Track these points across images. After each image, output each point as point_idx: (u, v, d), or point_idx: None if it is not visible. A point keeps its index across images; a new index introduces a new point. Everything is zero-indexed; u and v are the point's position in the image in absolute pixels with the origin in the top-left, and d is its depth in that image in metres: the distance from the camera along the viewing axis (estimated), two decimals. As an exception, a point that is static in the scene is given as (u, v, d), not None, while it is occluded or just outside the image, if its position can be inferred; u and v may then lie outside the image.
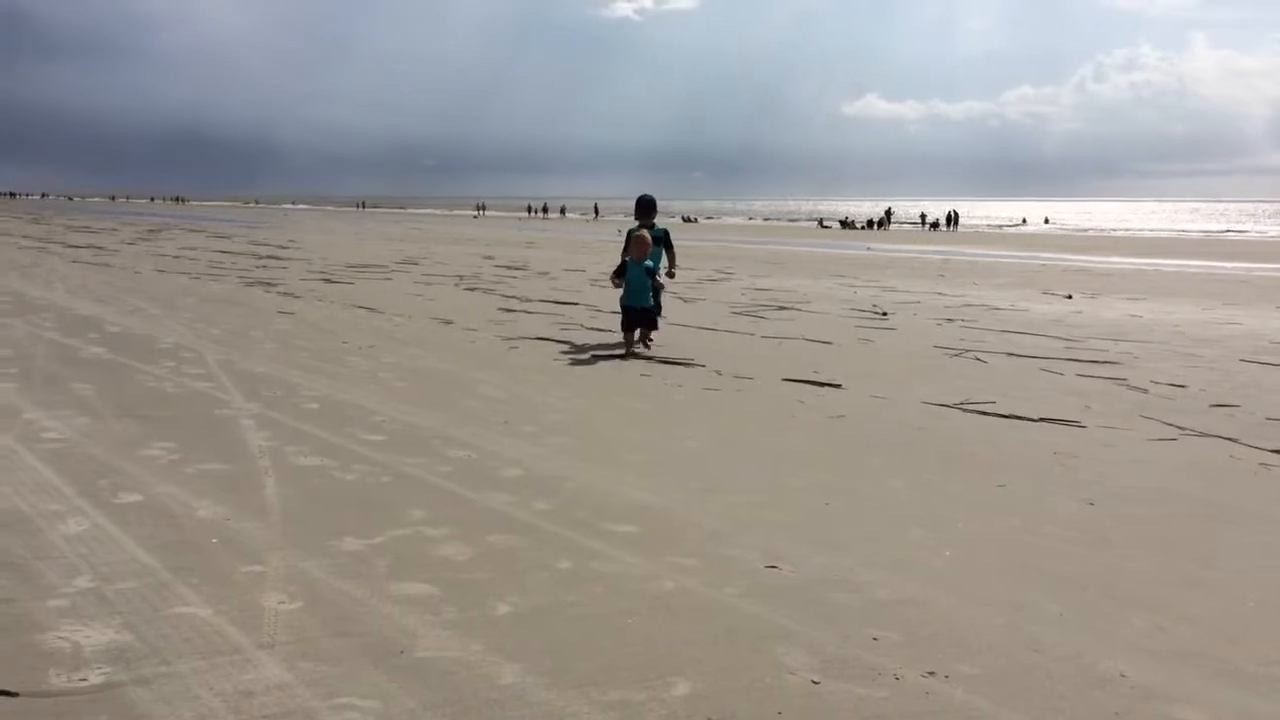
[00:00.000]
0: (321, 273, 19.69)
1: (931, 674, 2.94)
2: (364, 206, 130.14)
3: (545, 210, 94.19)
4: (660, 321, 10.35)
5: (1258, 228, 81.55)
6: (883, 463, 5.65)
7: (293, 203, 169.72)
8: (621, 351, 9.70)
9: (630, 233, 10.08)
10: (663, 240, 10.51)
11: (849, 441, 6.20)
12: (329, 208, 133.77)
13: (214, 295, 14.50)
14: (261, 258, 24.40)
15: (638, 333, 9.83)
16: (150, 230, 40.97)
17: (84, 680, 2.81)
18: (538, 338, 10.65)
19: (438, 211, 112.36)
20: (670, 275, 10.63)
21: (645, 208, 10.55)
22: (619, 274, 10.00)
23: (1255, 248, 46.18)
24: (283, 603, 3.35)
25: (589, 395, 7.47)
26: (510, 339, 10.54)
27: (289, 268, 21.02)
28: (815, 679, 2.88)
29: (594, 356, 9.48)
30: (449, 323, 11.84)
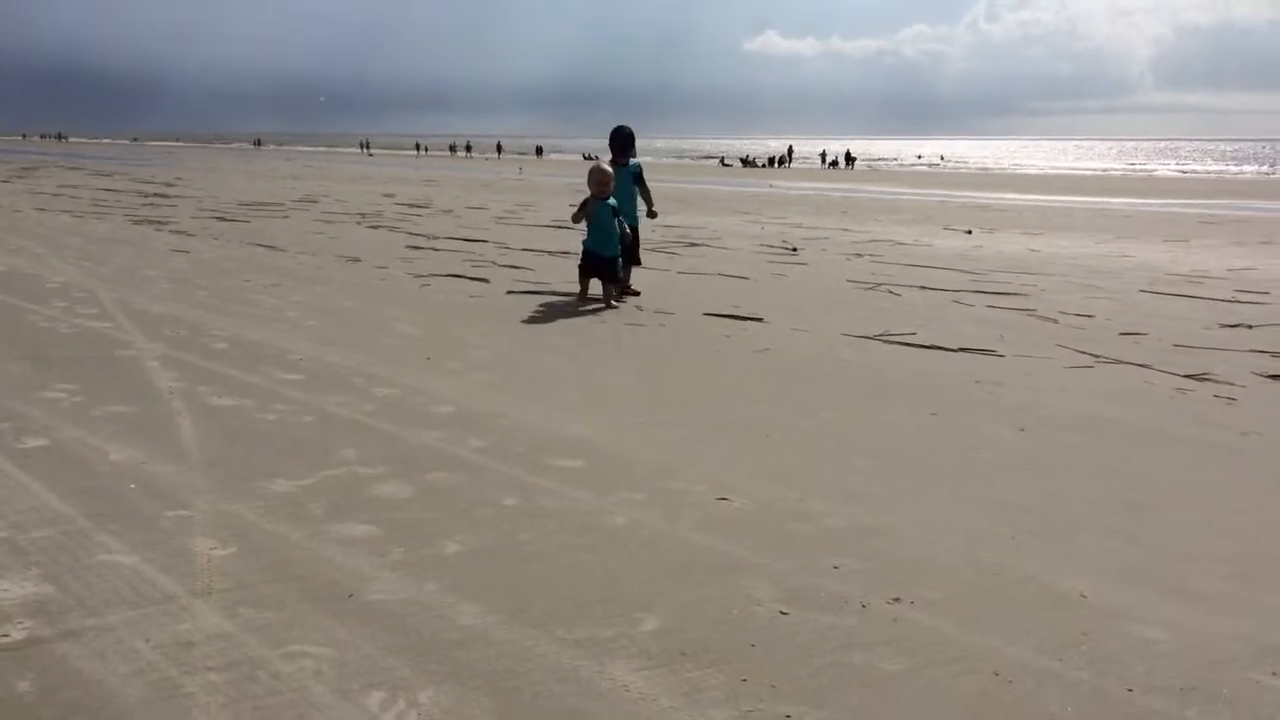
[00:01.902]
0: (214, 211, 18.92)
1: (897, 600, 2.91)
2: (259, 144, 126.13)
3: (469, 149, 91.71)
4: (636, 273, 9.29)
5: (1151, 165, 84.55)
6: (814, 394, 5.63)
7: (177, 139, 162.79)
8: (574, 296, 8.87)
9: (592, 170, 8.97)
10: (636, 178, 9.39)
11: (778, 374, 6.17)
12: (218, 145, 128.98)
13: (101, 234, 13.79)
14: (148, 195, 23.35)
15: (603, 288, 8.69)
16: (24, 168, 38.85)
17: (5, 636, 2.59)
18: (450, 275, 10.37)
19: (330, 149, 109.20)
20: (651, 215, 9.73)
21: (622, 142, 9.41)
22: (582, 208, 8.82)
23: (1140, 184, 47.73)
24: (215, 548, 3.15)
25: (510, 332, 7.29)
26: (421, 276, 10.24)
27: (179, 206, 20.15)
28: (783, 609, 2.82)
29: (510, 293, 9.27)
30: (356, 260, 11.46)
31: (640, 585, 2.96)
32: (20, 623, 2.67)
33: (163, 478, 3.81)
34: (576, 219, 8.88)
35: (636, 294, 9.04)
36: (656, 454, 4.32)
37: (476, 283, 9.95)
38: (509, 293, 9.28)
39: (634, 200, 9.31)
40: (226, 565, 3.02)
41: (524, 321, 7.71)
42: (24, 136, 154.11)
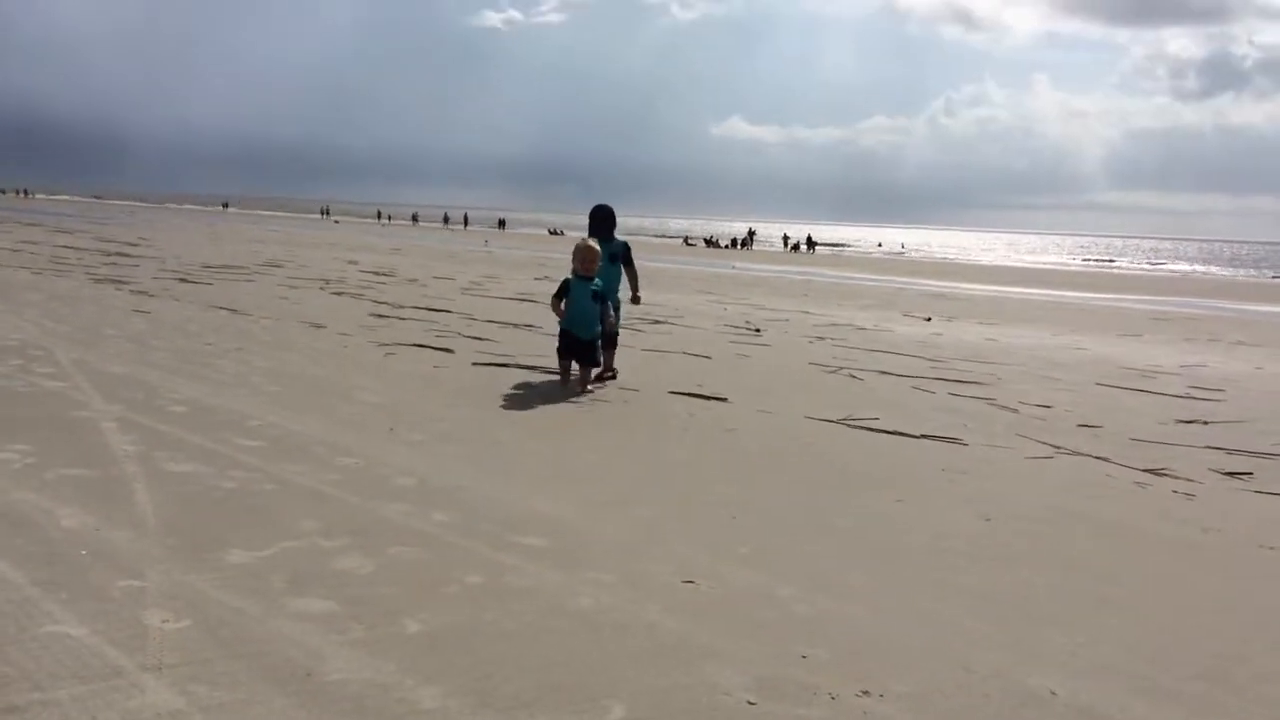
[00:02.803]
0: (176, 272, 18.75)
1: (866, 693, 2.87)
2: (227, 207, 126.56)
3: (502, 224, 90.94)
4: (614, 366, 8.70)
5: (1103, 260, 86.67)
6: (779, 477, 5.62)
7: (141, 199, 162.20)
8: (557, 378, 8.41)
9: (577, 247, 8.41)
10: (621, 256, 8.83)
11: (743, 454, 6.15)
12: (187, 206, 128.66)
13: (60, 292, 13.60)
14: (109, 254, 23.13)
15: (576, 368, 8.21)
16: (-19, 222, 38.40)
17: (-58, 710, 2.48)
18: (414, 344, 10.32)
19: (293, 215, 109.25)
20: (635, 300, 9.13)
21: (601, 221, 8.85)
22: (560, 295, 8.19)
23: (1093, 279, 48.82)
24: (167, 621, 3.04)
25: (474, 404, 7.23)
26: (385, 345, 10.17)
27: (140, 266, 19.96)
28: (751, 699, 2.77)
29: (475, 364, 9.22)
30: (320, 327, 11.38)
31: (608, 670, 2.89)
32: (-40, 696, 2.55)
33: (116, 545, 3.70)
34: (557, 305, 8.20)
35: (613, 376, 8.64)
36: (623, 533, 4.27)
37: (441, 353, 9.89)
38: (474, 364, 9.23)
39: (617, 281, 8.82)
40: (180, 639, 2.92)
41: (488, 394, 7.66)
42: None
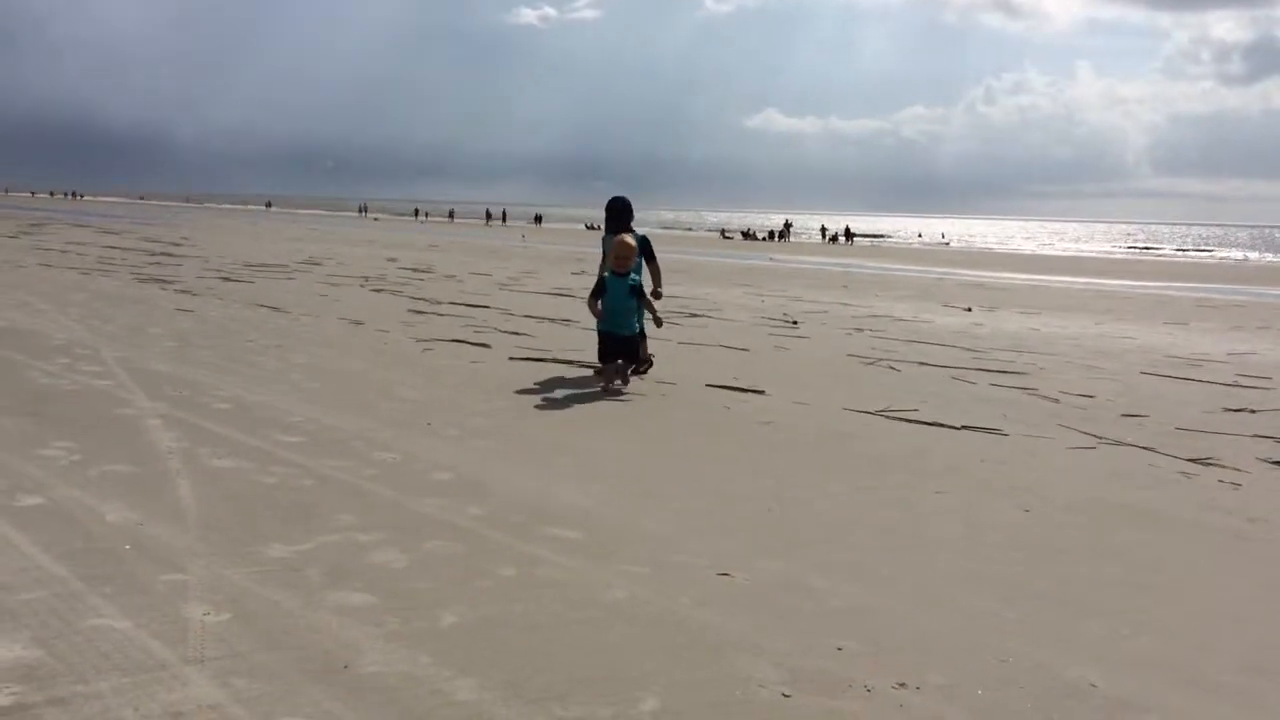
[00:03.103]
0: (219, 271, 19.01)
1: (902, 685, 2.85)
2: (270, 206, 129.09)
3: (535, 218, 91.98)
4: (650, 351, 8.47)
5: (1149, 247, 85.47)
6: (816, 468, 5.59)
7: (186, 199, 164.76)
8: (599, 385, 8.02)
9: (606, 240, 8.20)
10: (641, 250, 8.30)
11: (780, 447, 6.14)
12: (225, 206, 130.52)
13: (106, 291, 13.83)
14: (154, 254, 23.49)
15: (618, 368, 7.90)
16: (32, 224, 39.15)
17: (-10, 701, 2.53)
18: (452, 340, 10.38)
19: (332, 213, 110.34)
20: (656, 295, 8.46)
21: (618, 214, 8.55)
22: (597, 294, 7.93)
23: (1137, 266, 48.09)
24: (208, 614, 3.09)
25: (510, 399, 7.26)
26: (424, 341, 10.25)
27: (184, 265, 20.26)
28: (785, 692, 2.76)
29: (511, 359, 9.26)
30: (359, 323, 11.48)
31: (640, 663, 2.90)
32: (7, 688, 2.61)
33: (159, 540, 3.76)
34: (594, 304, 7.91)
35: (649, 366, 8.44)
36: (657, 526, 4.27)
37: (478, 348, 9.95)
38: (511, 359, 9.27)
39: (639, 274, 8.34)
40: (220, 632, 2.96)
41: (524, 389, 7.69)
42: (32, 194, 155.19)
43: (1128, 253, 71.97)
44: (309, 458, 5.11)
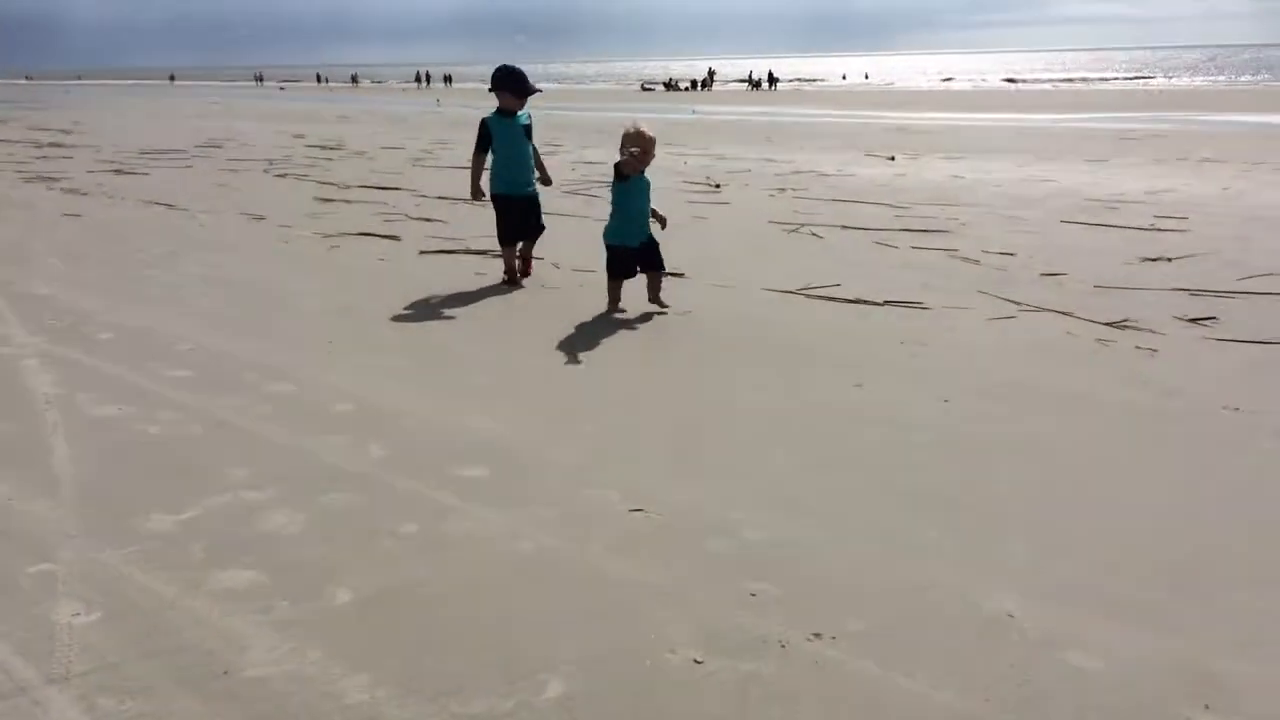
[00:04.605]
0: (112, 162, 18.04)
1: (818, 635, 2.74)
2: (174, 79, 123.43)
3: (444, 78, 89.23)
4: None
5: (1073, 75, 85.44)
6: (737, 366, 5.44)
7: (78, 77, 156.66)
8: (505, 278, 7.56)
9: (626, 135, 6.47)
10: (528, 131, 7.53)
11: (700, 341, 5.96)
12: (126, 81, 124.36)
13: (-14, 197, 13.02)
14: (42, 145, 22.22)
15: (633, 284, 6.70)
16: (-95, 116, 36.78)
17: None
18: (360, 233, 9.95)
19: (237, 84, 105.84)
20: (545, 182, 7.73)
21: (518, 82, 7.36)
22: (623, 168, 6.51)
23: (1059, 99, 48.12)
24: (78, 615, 2.85)
25: (417, 303, 6.96)
26: (330, 236, 9.81)
27: (75, 157, 19.20)
28: (697, 657, 2.64)
29: (422, 253, 8.91)
30: (260, 219, 10.95)
31: (546, 635, 2.74)
32: None
33: (29, 519, 3.48)
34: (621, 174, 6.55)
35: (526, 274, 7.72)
36: (568, 453, 4.09)
37: (387, 240, 9.55)
38: (421, 252, 8.91)
39: (531, 161, 7.57)
40: (90, 638, 2.73)
41: (432, 290, 7.36)
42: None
43: (1054, 86, 71.82)
44: (198, 396, 4.80)
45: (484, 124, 7.39)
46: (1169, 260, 8.39)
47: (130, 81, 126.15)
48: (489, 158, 7.48)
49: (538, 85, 7.73)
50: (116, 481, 3.78)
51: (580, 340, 6.00)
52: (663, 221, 6.75)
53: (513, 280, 7.60)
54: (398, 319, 6.45)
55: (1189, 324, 6.32)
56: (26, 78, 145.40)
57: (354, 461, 3.98)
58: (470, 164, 7.55)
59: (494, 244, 8.89)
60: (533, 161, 7.55)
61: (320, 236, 9.76)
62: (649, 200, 6.61)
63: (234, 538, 3.30)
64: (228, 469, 3.88)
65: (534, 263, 7.89)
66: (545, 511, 3.52)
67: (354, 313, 6.60)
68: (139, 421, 4.43)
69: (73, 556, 3.18)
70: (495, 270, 8.10)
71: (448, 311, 6.67)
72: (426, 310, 6.70)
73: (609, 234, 6.61)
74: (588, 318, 6.55)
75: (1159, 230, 9.97)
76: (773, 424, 4.50)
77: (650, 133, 6.44)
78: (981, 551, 3.24)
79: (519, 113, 7.46)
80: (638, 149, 6.40)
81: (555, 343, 5.93)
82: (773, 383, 5.12)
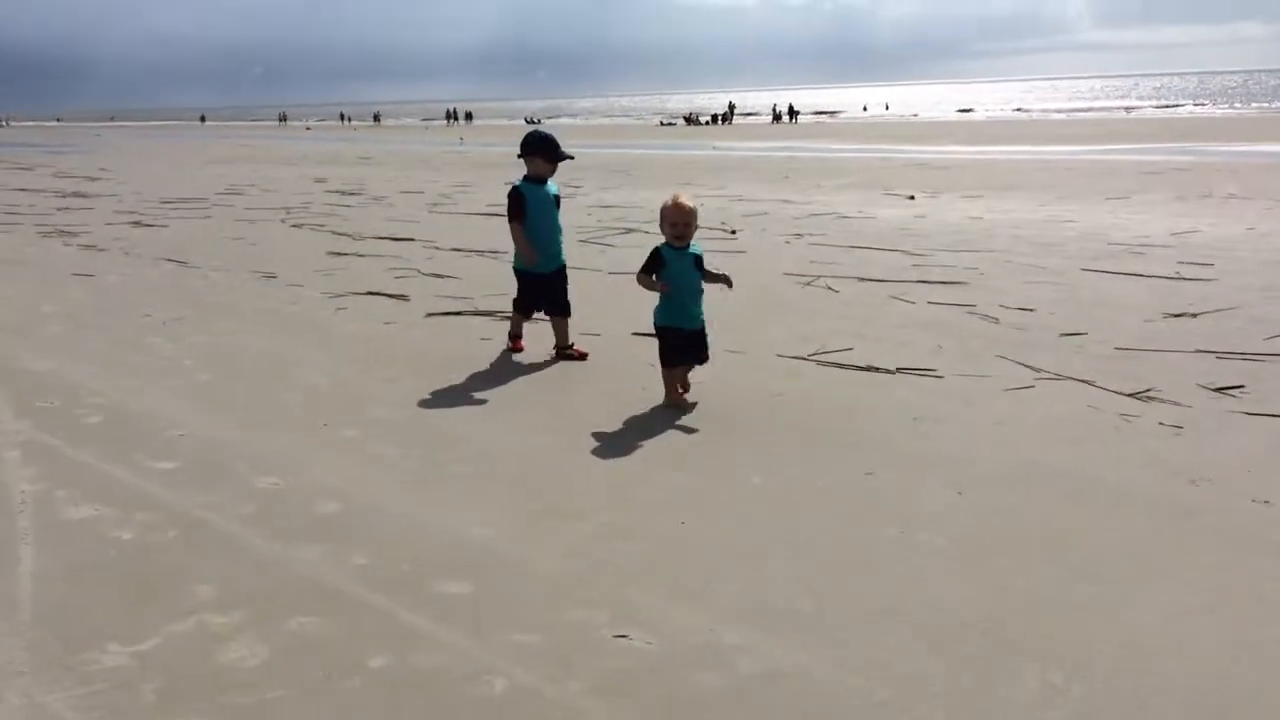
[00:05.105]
0: (132, 212, 18.12)
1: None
2: (204, 120, 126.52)
3: (465, 115, 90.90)
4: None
5: (1094, 105, 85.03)
6: (741, 449, 5.22)
7: (111, 118, 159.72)
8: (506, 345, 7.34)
9: (664, 209, 5.92)
10: (558, 201, 7.20)
11: (703, 418, 5.74)
12: (155, 123, 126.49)
13: (3, 255, 13.03)
14: (65, 195, 22.42)
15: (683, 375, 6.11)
16: (-61, 164, 37.31)
17: None
18: (368, 292, 9.84)
19: (266, 123, 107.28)
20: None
21: (549, 147, 7.02)
22: (650, 268, 5.93)
23: (1080, 130, 47.86)
24: (15, 781, 2.68)
25: (420, 374, 6.79)
26: (338, 295, 9.69)
27: (95, 207, 19.31)
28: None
29: (429, 315, 8.76)
30: (271, 277, 10.87)
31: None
32: None
33: (-18, 648, 3.31)
34: (650, 284, 5.95)
35: (583, 356, 7.18)
36: (556, 563, 3.88)
37: (395, 300, 9.43)
38: (428, 315, 8.77)
39: (560, 232, 7.24)
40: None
41: (433, 359, 7.19)
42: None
43: (1069, 116, 71.56)
44: (179, 492, 4.63)
45: (519, 193, 6.94)
46: (1193, 316, 8.13)
47: (161, 122, 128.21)
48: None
49: (570, 152, 7.29)
50: (78, 603, 3.58)
51: (580, 414, 5.81)
52: (728, 281, 6.14)
53: (516, 348, 7.42)
54: (394, 396, 6.28)
55: (1215, 394, 6.05)
56: (57, 119, 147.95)
57: (332, 575, 3.78)
58: (514, 237, 7.00)
59: (503, 304, 8.72)
60: (560, 234, 7.18)
61: (328, 297, 9.65)
62: (695, 275, 5.96)
63: (190, 675, 3.10)
64: (196, 585, 3.68)
65: (542, 322, 7.50)
66: (525, 638, 3.30)
67: (351, 388, 6.44)
68: (114, 526, 4.25)
69: (18, 701, 2.98)
70: (501, 333, 7.94)
71: (448, 386, 6.49)
72: (426, 385, 6.52)
73: (660, 315, 6.02)
74: (584, 394, 6.37)
75: (1183, 279, 9.71)
76: (774, 519, 4.28)
77: (690, 204, 5.91)
78: (986, 690, 3.00)
79: (549, 181, 7.11)
80: (669, 222, 5.88)
81: (554, 418, 5.75)
82: (780, 470, 4.90)
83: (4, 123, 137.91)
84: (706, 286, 6.09)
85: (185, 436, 5.47)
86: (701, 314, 6.05)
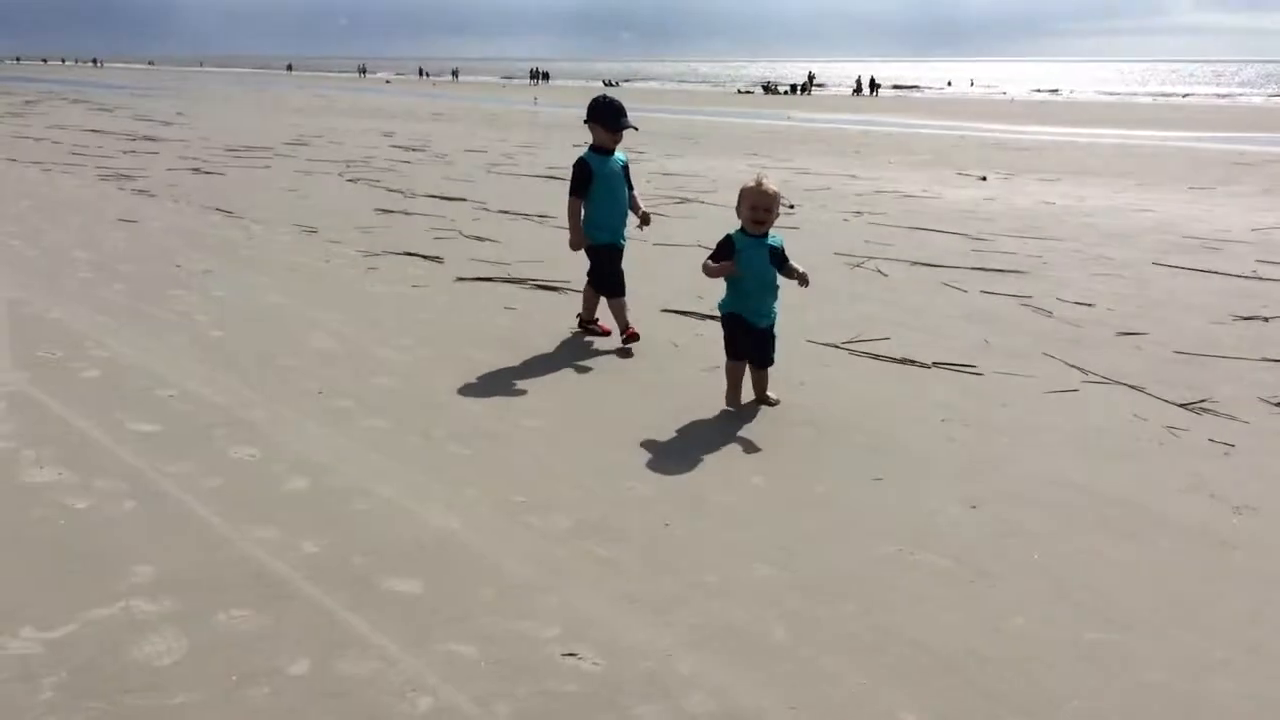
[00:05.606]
0: (194, 159, 18.17)
1: None
2: (291, 69, 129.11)
3: (543, 75, 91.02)
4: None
5: (1186, 90, 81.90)
6: (747, 445, 4.89)
7: (200, 64, 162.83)
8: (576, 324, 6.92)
9: (744, 191, 5.34)
10: (626, 171, 6.68)
11: (714, 408, 5.41)
12: (246, 70, 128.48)
13: (56, 197, 13.09)
14: (136, 138, 22.62)
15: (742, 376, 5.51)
16: (26, 103, 38.13)
17: None
18: (404, 252, 9.63)
19: (348, 75, 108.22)
20: (644, 221, 6.75)
21: (611, 115, 6.47)
22: (721, 255, 5.31)
23: (1171, 114, 46.05)
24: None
25: (434, 342, 6.55)
26: (372, 255, 9.50)
27: (161, 152, 19.42)
28: None
29: (458, 279, 8.53)
30: (312, 231, 10.73)
31: None
32: None
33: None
34: (720, 270, 5.32)
35: (636, 338, 6.63)
36: (518, 564, 3.60)
37: (429, 262, 9.21)
38: (458, 279, 8.53)
39: (627, 206, 6.68)
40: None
41: (455, 326, 6.97)
42: (44, 61, 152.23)
43: (1154, 100, 69.00)
44: (149, 459, 4.43)
45: (585, 164, 6.39)
46: (1265, 320, 7.57)
47: (249, 70, 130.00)
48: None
49: (633, 123, 6.72)
50: (10, 577, 3.40)
51: (593, 400, 5.52)
52: (804, 279, 5.41)
53: (603, 331, 6.83)
54: (402, 365, 6.05)
55: (1276, 408, 5.56)
56: (149, 63, 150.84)
57: (278, 563, 3.54)
58: (568, 213, 6.54)
59: (535, 272, 8.48)
60: (629, 207, 6.65)
61: (363, 255, 9.46)
62: (769, 268, 5.33)
63: (97, 670, 2.87)
64: (135, 565, 3.46)
65: (572, 294, 7.21)
66: (463, 649, 3.03)
67: (358, 355, 6.22)
68: (70, 493, 4.06)
69: (-84, 690, 2.79)
70: (526, 304, 7.69)
71: (459, 357, 6.24)
72: (436, 354, 6.28)
73: (726, 301, 5.47)
74: (597, 370, 6.08)
75: (1260, 278, 9.09)
76: (765, 528, 3.95)
77: (774, 188, 5.31)
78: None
79: (616, 151, 6.58)
80: (748, 206, 5.27)
81: (564, 402, 5.47)
82: (783, 470, 4.57)
83: (98, 63, 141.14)
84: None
85: (175, 397, 5.29)
86: (773, 312, 5.46)
